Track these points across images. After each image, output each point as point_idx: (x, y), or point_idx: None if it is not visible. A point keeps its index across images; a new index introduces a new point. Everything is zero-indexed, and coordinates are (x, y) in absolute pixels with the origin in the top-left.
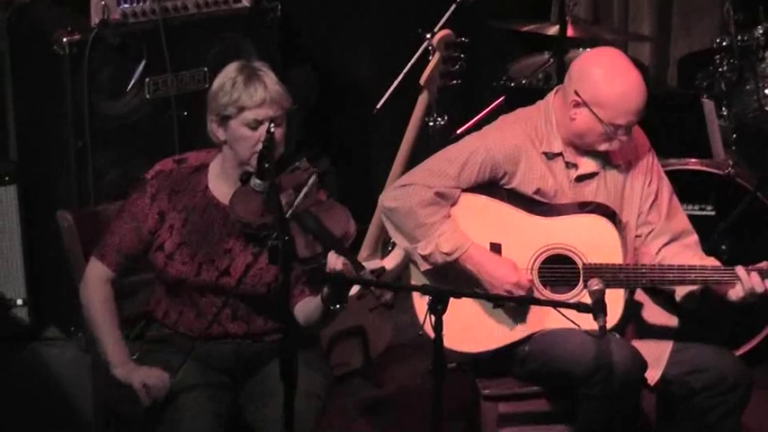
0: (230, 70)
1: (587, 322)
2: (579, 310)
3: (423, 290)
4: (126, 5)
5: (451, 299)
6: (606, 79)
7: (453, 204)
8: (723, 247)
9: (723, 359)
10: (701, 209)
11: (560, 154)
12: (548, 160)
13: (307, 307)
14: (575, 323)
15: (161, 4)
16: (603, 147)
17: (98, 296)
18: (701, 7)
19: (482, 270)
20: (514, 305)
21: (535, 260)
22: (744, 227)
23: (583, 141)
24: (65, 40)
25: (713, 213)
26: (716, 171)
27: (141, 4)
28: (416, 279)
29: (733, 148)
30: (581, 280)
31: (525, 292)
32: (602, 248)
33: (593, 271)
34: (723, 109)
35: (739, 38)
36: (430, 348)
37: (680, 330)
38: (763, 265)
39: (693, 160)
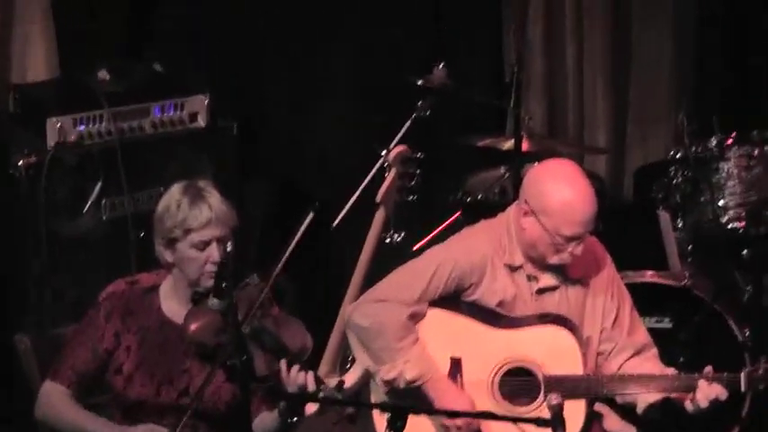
0: (174, 192)
1: None
2: (538, 425)
3: (382, 407)
4: (82, 127)
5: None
6: (552, 188)
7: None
8: (681, 359)
9: None
10: (657, 321)
11: (521, 267)
12: (510, 272)
13: (264, 422)
14: None
15: (117, 125)
16: (555, 260)
17: (58, 406)
18: (656, 117)
19: (441, 401)
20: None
21: (495, 373)
22: (701, 338)
23: (536, 252)
24: (21, 162)
25: (670, 326)
26: (672, 283)
27: (98, 125)
28: (376, 393)
29: (689, 259)
30: (542, 392)
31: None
32: (562, 359)
33: (554, 382)
34: (679, 220)
35: (693, 149)
36: None
37: None
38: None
39: (650, 272)
